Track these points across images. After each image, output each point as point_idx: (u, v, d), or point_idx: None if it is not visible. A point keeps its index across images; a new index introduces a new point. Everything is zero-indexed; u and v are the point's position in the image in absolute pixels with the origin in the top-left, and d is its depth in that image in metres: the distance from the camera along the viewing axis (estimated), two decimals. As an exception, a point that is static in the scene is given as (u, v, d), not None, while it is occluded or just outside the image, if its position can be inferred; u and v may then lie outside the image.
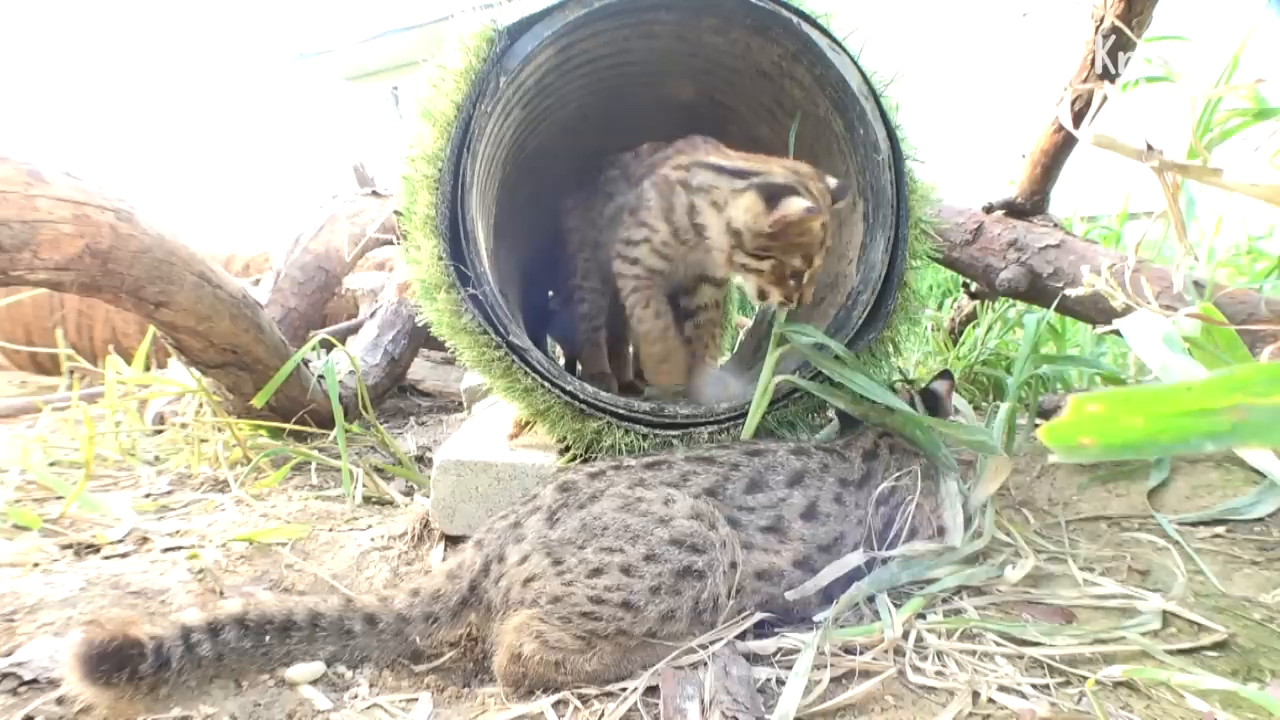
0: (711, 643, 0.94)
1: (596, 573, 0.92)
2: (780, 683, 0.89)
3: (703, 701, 0.82)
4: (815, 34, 1.36)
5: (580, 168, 1.94)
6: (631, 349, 1.88)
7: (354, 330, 2.54)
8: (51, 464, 1.68)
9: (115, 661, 0.79)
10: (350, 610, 0.92)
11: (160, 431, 1.96)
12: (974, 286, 2.04)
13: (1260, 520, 1.28)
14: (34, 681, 0.85)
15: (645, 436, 1.28)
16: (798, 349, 1.35)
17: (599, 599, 0.91)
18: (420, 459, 1.87)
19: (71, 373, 2.21)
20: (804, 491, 1.10)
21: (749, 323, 2.55)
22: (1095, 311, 1.62)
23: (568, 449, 1.30)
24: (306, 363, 1.88)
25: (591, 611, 0.90)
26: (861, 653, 0.94)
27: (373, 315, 2.45)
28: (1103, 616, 1.03)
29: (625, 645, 0.91)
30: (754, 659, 0.95)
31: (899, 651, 0.94)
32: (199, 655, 0.84)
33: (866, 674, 0.89)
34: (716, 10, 1.36)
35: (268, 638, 0.88)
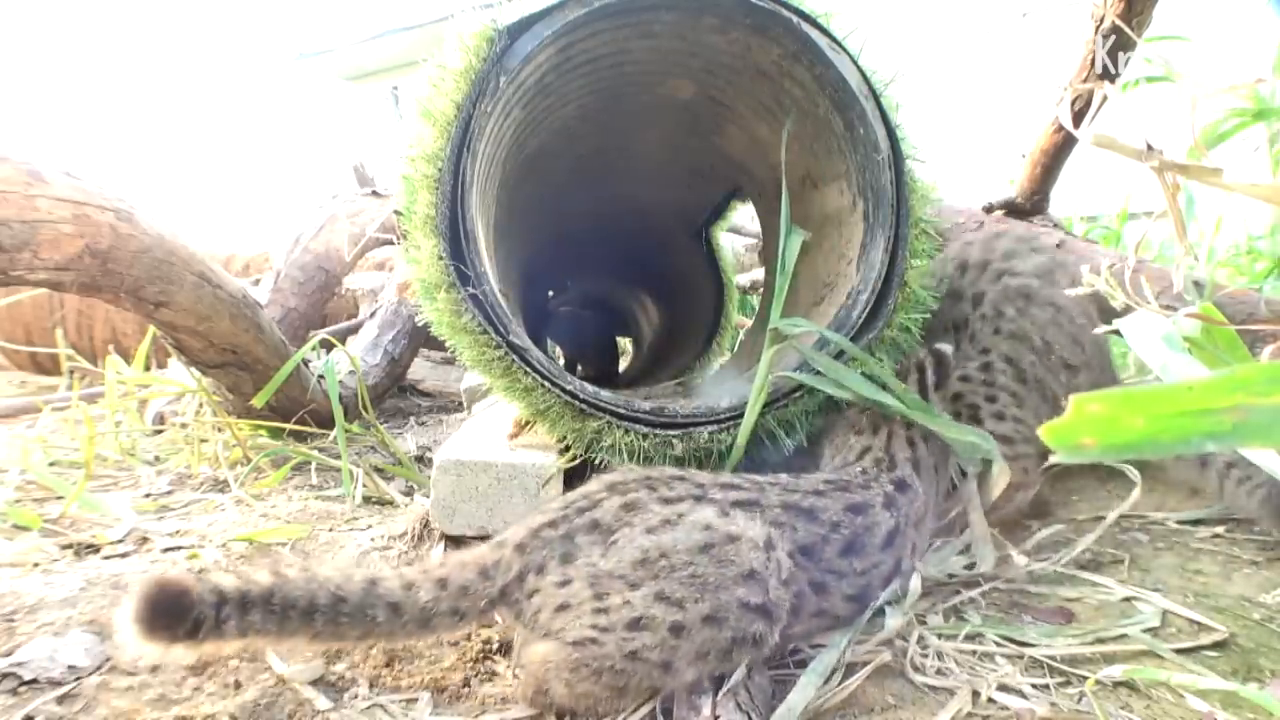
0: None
1: (638, 625, 0.81)
2: (787, 682, 0.89)
3: (714, 701, 0.82)
4: (815, 34, 1.36)
5: (580, 168, 1.94)
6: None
7: (354, 330, 2.54)
8: (51, 464, 1.68)
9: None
10: (373, 596, 0.85)
11: (160, 431, 1.96)
12: (974, 286, 2.04)
13: (1260, 520, 1.28)
14: (34, 681, 0.85)
15: (645, 436, 1.28)
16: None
17: (635, 655, 0.81)
18: (420, 459, 1.87)
19: (71, 373, 2.21)
20: (893, 554, 1.02)
21: (749, 323, 2.56)
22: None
23: (568, 449, 1.30)
24: (306, 363, 1.88)
25: (624, 669, 0.81)
26: (862, 656, 0.94)
27: (373, 315, 2.45)
28: (1103, 616, 1.03)
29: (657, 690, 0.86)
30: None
31: (900, 651, 0.94)
32: (224, 623, 0.79)
33: (866, 671, 0.89)
34: (716, 10, 1.36)
35: (292, 621, 0.82)
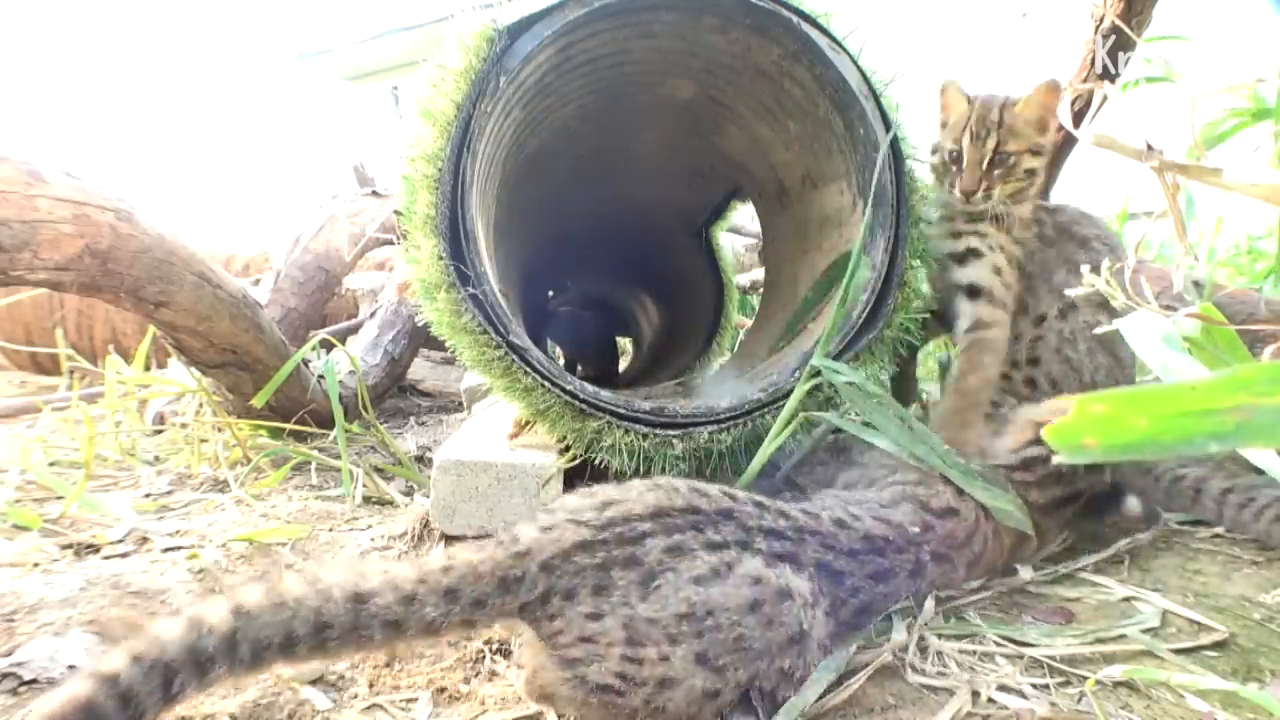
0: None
1: (672, 685, 0.76)
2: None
3: None
4: (815, 34, 1.36)
5: (580, 167, 1.94)
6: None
7: (354, 330, 2.54)
8: (51, 464, 1.68)
9: None
10: (365, 616, 0.74)
11: (160, 431, 1.96)
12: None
13: (1260, 520, 1.28)
14: (34, 681, 0.85)
15: (645, 436, 1.28)
16: (800, 346, 1.35)
17: (661, 710, 0.77)
18: (420, 459, 1.87)
19: (71, 373, 2.21)
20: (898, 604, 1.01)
21: (749, 323, 2.56)
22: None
23: (568, 449, 1.30)
24: (306, 363, 1.88)
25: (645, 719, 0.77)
26: (862, 657, 0.94)
27: (373, 315, 2.45)
28: (1103, 616, 1.03)
29: None
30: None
31: (899, 651, 0.94)
32: (176, 695, 0.67)
33: (868, 672, 0.89)
34: (716, 10, 1.36)
35: (269, 657, 0.72)
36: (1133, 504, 1.19)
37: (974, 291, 1.39)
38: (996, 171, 1.35)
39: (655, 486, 0.88)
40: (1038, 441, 1.18)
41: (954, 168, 1.39)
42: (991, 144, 1.34)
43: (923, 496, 1.07)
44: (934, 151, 1.45)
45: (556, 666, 0.79)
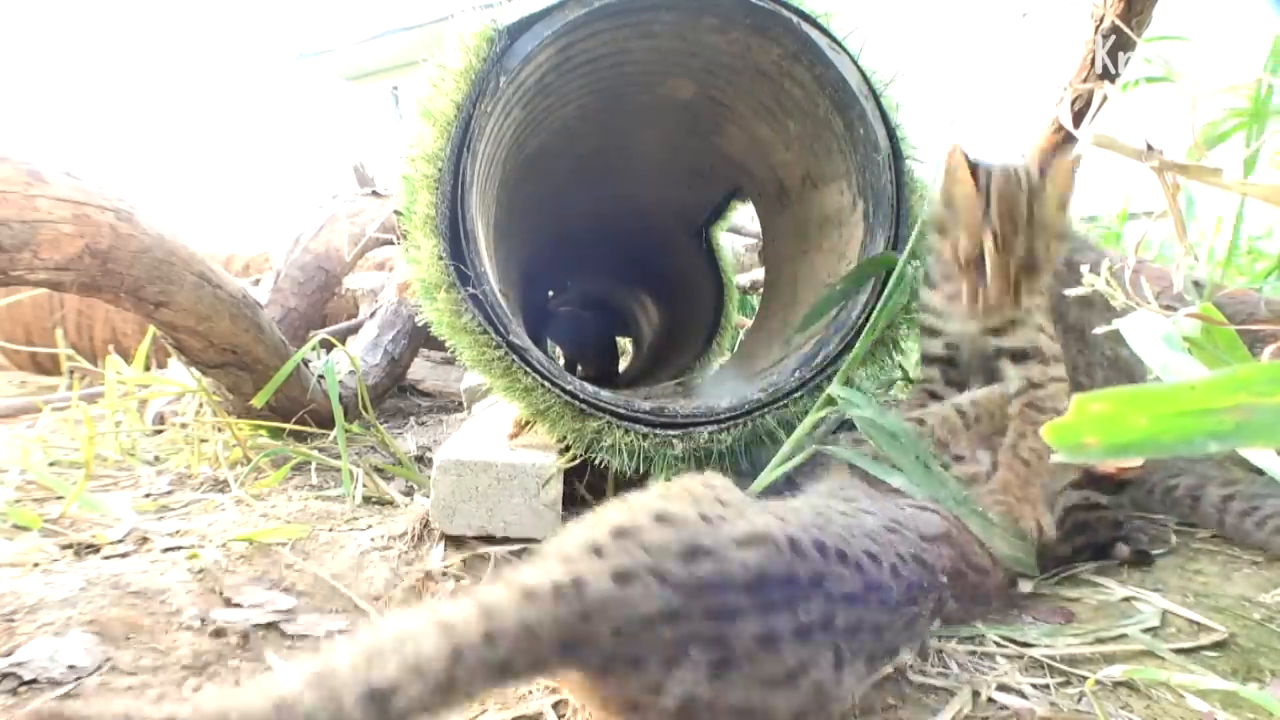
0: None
1: None
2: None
3: None
4: (815, 34, 1.36)
5: (580, 167, 1.94)
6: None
7: (354, 330, 2.54)
8: (51, 464, 1.68)
9: None
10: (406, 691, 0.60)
11: (160, 431, 1.96)
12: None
13: (1260, 520, 1.27)
14: (34, 681, 0.85)
15: (645, 436, 1.28)
16: (800, 348, 1.34)
17: None
18: (420, 459, 1.87)
19: (71, 373, 2.21)
20: None
21: (749, 323, 2.56)
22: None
23: (568, 449, 1.30)
24: (306, 363, 1.88)
25: None
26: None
27: (373, 315, 2.45)
28: (1103, 616, 1.03)
29: None
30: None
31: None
32: None
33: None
34: (716, 10, 1.36)
35: None
36: (1122, 550, 1.19)
37: (1019, 355, 1.23)
38: (1026, 276, 1.13)
39: (755, 538, 0.77)
40: (1075, 485, 1.19)
41: (969, 266, 1.14)
42: (1023, 250, 1.11)
43: (965, 548, 1.03)
44: (937, 230, 1.21)
45: (594, 704, 0.75)
